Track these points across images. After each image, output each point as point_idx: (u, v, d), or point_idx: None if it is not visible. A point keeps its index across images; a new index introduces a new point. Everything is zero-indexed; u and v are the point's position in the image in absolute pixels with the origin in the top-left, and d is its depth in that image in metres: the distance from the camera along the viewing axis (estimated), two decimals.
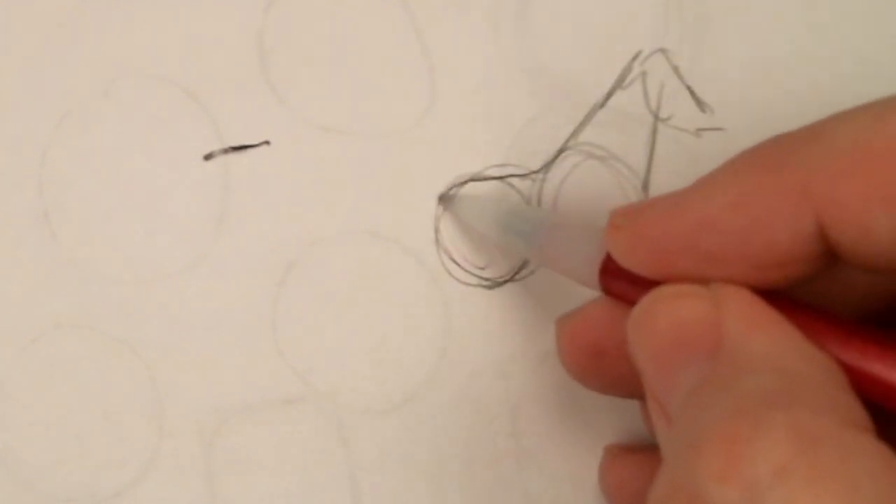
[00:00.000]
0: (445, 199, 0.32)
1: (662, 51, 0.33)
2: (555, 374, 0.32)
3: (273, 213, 0.32)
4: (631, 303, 0.24)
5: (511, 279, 0.32)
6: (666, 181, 0.32)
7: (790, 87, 0.33)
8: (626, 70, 0.33)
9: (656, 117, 0.33)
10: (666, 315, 0.23)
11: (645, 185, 0.32)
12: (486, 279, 0.32)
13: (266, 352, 0.31)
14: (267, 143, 0.32)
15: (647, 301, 0.23)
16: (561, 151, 0.32)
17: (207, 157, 0.31)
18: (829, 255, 0.22)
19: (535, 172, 0.32)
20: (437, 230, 0.32)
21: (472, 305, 0.32)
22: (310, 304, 0.32)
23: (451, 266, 0.32)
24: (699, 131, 0.33)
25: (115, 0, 0.31)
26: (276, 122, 0.32)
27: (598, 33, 0.33)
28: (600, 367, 0.27)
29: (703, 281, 0.23)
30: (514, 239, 0.30)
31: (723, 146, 0.33)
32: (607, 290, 0.26)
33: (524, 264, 0.32)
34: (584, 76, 0.33)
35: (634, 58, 0.33)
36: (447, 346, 0.32)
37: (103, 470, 0.31)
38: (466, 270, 0.32)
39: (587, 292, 0.32)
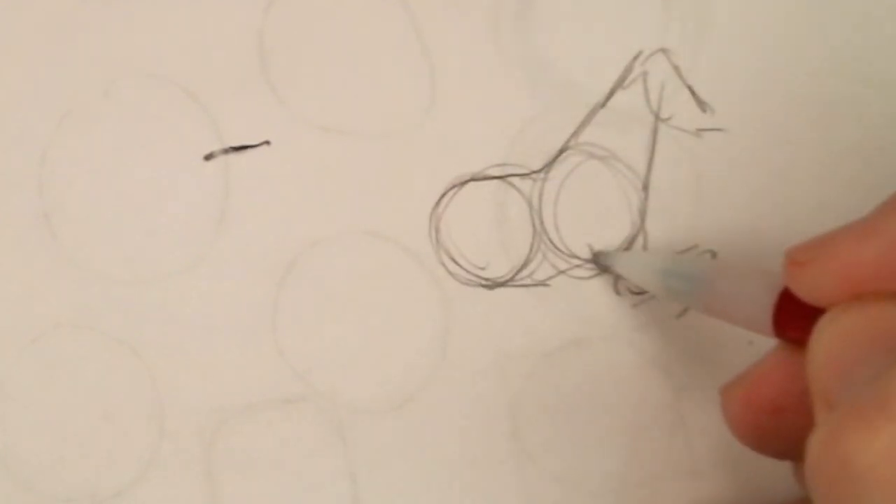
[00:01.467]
0: (600, 257, 0.32)
1: (663, 51, 0.33)
2: (555, 374, 0.32)
3: (273, 213, 0.32)
4: (806, 344, 0.23)
5: (511, 279, 0.32)
6: (667, 181, 0.32)
7: (790, 86, 0.33)
8: (627, 70, 0.33)
9: (657, 117, 0.33)
10: (860, 313, 0.22)
11: (645, 185, 0.32)
12: (486, 279, 0.32)
13: (266, 352, 0.31)
14: (267, 143, 0.32)
15: (842, 305, 0.23)
16: (562, 151, 0.32)
17: (207, 157, 0.31)
18: None
19: (535, 172, 0.32)
20: (437, 230, 0.32)
21: (472, 305, 0.32)
22: (310, 304, 0.32)
23: (451, 266, 0.32)
24: (700, 131, 0.33)
25: (115, 0, 0.31)
26: (276, 122, 0.32)
27: (598, 33, 0.33)
28: (780, 426, 0.26)
29: None
30: (679, 288, 0.29)
31: (723, 146, 0.33)
32: (782, 333, 0.25)
33: (524, 264, 0.32)
34: (585, 76, 0.32)
35: (635, 58, 0.33)
36: (447, 346, 0.32)
37: (103, 470, 0.31)
38: (466, 270, 0.32)
39: (598, 298, 0.32)
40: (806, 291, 0.24)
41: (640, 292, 0.32)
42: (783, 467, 0.31)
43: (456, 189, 0.32)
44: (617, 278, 0.32)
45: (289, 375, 0.31)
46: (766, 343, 0.26)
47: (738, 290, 0.27)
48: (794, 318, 0.24)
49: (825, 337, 0.23)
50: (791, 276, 0.24)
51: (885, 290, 0.23)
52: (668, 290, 0.30)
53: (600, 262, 0.32)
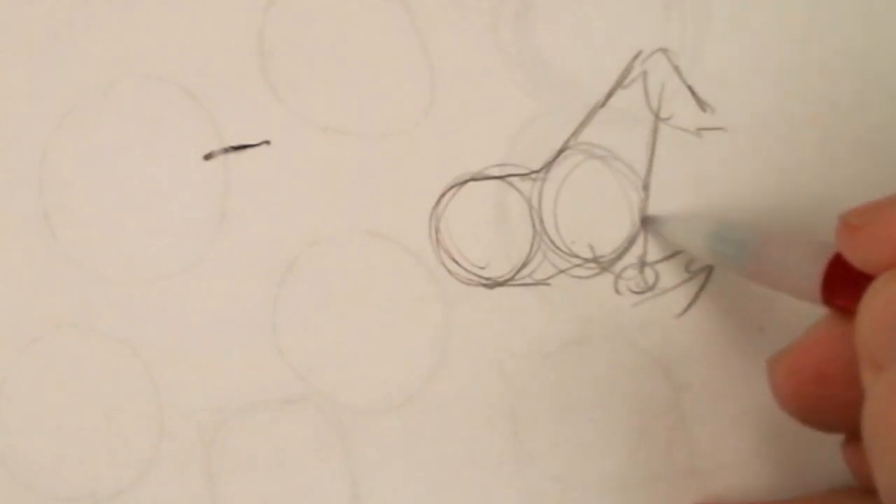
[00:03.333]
0: (649, 221, 0.32)
1: (663, 50, 0.33)
2: (555, 374, 0.32)
3: (273, 213, 0.32)
4: (854, 312, 0.23)
5: (511, 279, 0.32)
6: (667, 181, 0.32)
7: (790, 86, 0.33)
8: (627, 69, 0.32)
9: (657, 117, 0.33)
10: None
11: (646, 185, 0.32)
12: (487, 279, 0.32)
13: (266, 352, 0.31)
14: (267, 143, 0.32)
15: (890, 274, 0.23)
16: (562, 151, 0.32)
17: (207, 157, 0.31)
18: None
19: (535, 172, 0.32)
20: (437, 230, 0.32)
21: (473, 305, 0.32)
22: (310, 304, 0.32)
23: (452, 266, 0.32)
24: (700, 131, 0.33)
25: (115, 0, 0.31)
26: (276, 122, 0.32)
27: (598, 33, 0.32)
28: (823, 395, 0.26)
29: None
30: (727, 253, 0.29)
31: (724, 145, 0.33)
32: (830, 301, 0.25)
33: (524, 263, 0.32)
34: (585, 75, 0.32)
35: (635, 57, 0.33)
36: (447, 346, 0.32)
37: (103, 470, 0.31)
38: (466, 270, 0.32)
39: (598, 297, 0.32)
40: (858, 256, 0.24)
41: (642, 291, 0.32)
42: (783, 468, 0.31)
43: (456, 189, 0.32)
44: (617, 278, 0.32)
45: (289, 375, 0.31)
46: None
47: (788, 257, 0.26)
48: (843, 285, 0.24)
49: (876, 301, 0.23)
50: (844, 240, 0.24)
51: None
52: (716, 254, 0.30)
53: (649, 226, 0.32)
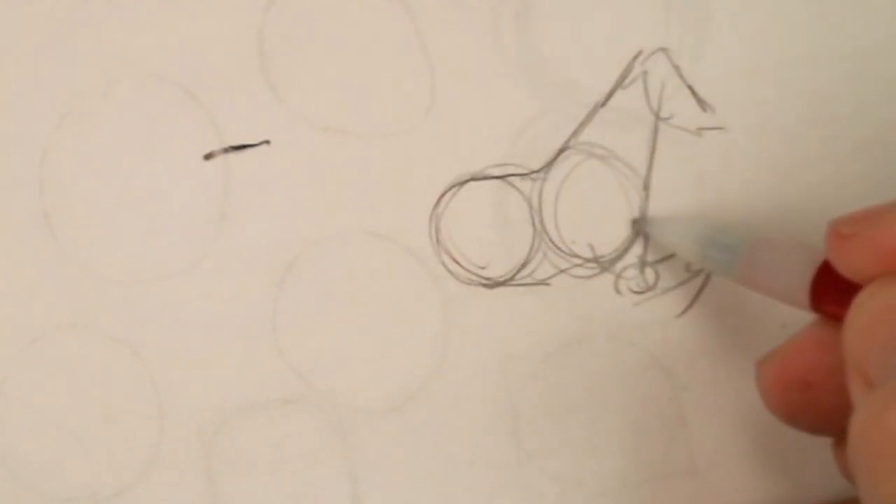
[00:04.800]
0: (640, 222, 0.32)
1: (663, 50, 0.33)
2: (555, 374, 0.32)
3: (273, 213, 0.32)
4: (842, 319, 0.23)
5: (511, 278, 0.32)
6: (667, 180, 0.32)
7: (791, 86, 0.33)
8: (627, 69, 0.32)
9: (657, 116, 0.33)
10: None
11: (646, 185, 0.32)
12: (486, 279, 0.32)
13: (266, 352, 0.31)
14: (267, 142, 0.32)
15: (884, 278, 0.23)
16: (562, 151, 0.32)
17: (207, 157, 0.31)
18: None
19: (535, 172, 0.32)
20: (437, 230, 0.32)
21: (473, 305, 0.32)
22: (310, 304, 0.32)
23: (452, 265, 0.32)
24: (700, 130, 0.33)
25: (115, 0, 0.31)
26: (276, 122, 0.32)
27: (598, 33, 0.32)
28: (809, 402, 0.26)
29: None
30: (716, 258, 0.29)
31: (724, 145, 0.33)
32: (818, 307, 0.25)
33: (524, 263, 0.32)
34: (585, 75, 0.32)
35: (635, 57, 0.33)
36: (447, 346, 0.32)
37: (103, 470, 0.31)
38: (467, 270, 0.32)
39: (598, 297, 0.32)
40: (846, 266, 0.24)
41: (642, 291, 0.32)
42: (783, 468, 0.31)
43: (456, 189, 0.32)
44: (617, 278, 0.32)
45: (289, 375, 0.31)
46: (800, 326, 0.26)
47: (777, 262, 0.27)
48: (831, 292, 0.24)
49: (865, 310, 0.23)
50: (833, 248, 0.24)
51: None
52: (705, 259, 0.30)
53: (639, 228, 0.32)
